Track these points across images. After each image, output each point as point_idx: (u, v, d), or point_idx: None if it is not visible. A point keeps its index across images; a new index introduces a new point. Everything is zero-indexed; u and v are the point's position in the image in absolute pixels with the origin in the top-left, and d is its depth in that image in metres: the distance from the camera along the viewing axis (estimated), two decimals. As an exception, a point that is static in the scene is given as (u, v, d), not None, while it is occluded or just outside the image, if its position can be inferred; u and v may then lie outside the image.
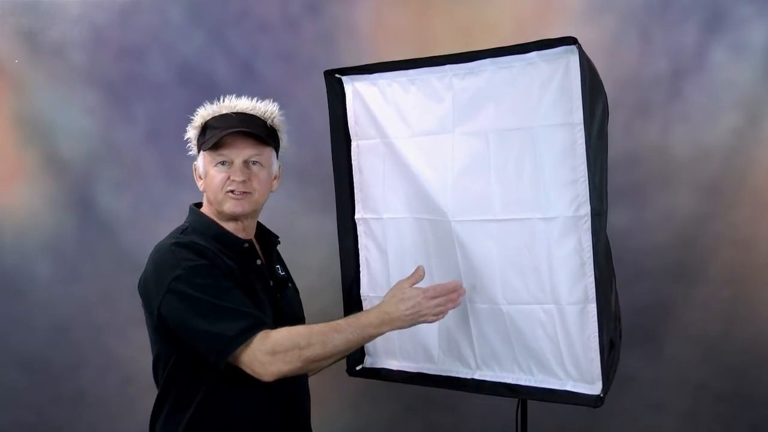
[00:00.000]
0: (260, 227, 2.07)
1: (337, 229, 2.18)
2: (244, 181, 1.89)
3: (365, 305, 2.17)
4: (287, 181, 2.14)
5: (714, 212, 2.92)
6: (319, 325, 1.79)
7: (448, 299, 1.82)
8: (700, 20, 2.87)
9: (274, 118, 1.98)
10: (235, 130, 1.88)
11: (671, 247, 2.94)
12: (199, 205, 2.00)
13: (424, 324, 1.86)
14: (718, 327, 2.96)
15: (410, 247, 2.07)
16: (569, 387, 1.90)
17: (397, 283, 1.85)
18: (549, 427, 2.43)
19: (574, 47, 1.75)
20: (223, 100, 1.97)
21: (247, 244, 1.94)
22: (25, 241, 3.12)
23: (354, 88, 2.11)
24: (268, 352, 1.73)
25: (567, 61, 1.78)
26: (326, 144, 2.18)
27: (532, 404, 2.06)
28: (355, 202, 2.17)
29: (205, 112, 1.95)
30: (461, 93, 1.94)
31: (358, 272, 2.19)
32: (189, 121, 1.99)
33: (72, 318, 3.13)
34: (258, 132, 1.91)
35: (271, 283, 1.99)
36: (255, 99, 1.98)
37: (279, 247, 2.13)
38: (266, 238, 2.08)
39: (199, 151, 1.96)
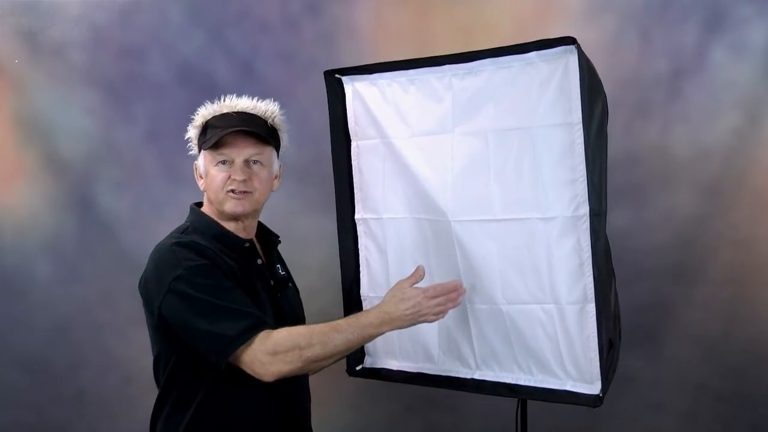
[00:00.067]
0: (261, 227, 2.07)
1: (337, 229, 2.18)
2: (244, 180, 1.89)
3: (365, 305, 2.17)
4: (287, 181, 2.14)
5: (714, 212, 2.92)
6: (319, 325, 1.79)
7: (448, 299, 1.82)
8: (700, 20, 2.87)
9: (274, 117, 1.98)
10: (236, 129, 1.88)
11: (671, 247, 2.94)
12: (199, 204, 2.00)
13: (424, 324, 1.86)
14: (718, 327, 2.96)
15: (410, 247, 2.07)
16: (569, 387, 1.90)
17: (397, 283, 1.85)
18: (549, 427, 2.43)
19: (573, 47, 1.75)
20: (224, 100, 1.97)
21: (247, 244, 1.94)
22: (25, 241, 3.12)
23: (354, 88, 2.11)
24: (269, 353, 1.73)
25: (566, 61, 1.78)
26: (326, 144, 2.18)
27: (532, 404, 2.06)
28: (355, 202, 2.17)
29: (205, 112, 1.96)
30: (461, 93, 1.94)
31: (358, 272, 2.19)
32: (189, 121, 1.99)
33: (72, 318, 3.14)
34: (259, 131, 1.91)
35: (272, 283, 1.99)
36: (256, 99, 1.99)
37: (279, 247, 2.13)
38: (267, 237, 2.08)
39: (199, 151, 1.96)
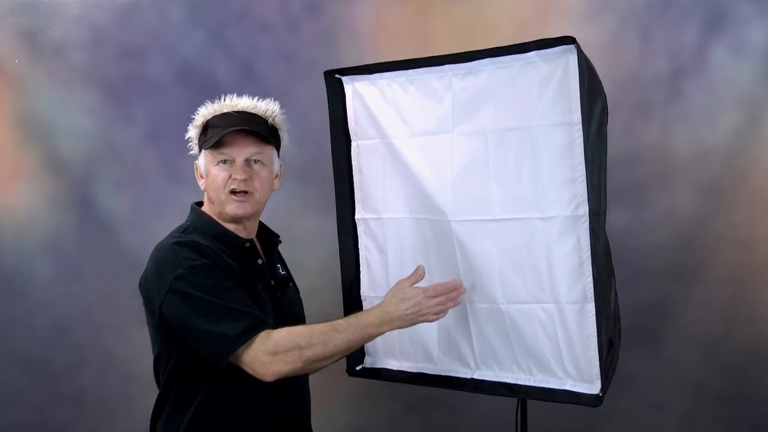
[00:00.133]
0: (261, 227, 2.07)
1: (337, 229, 2.18)
2: (245, 180, 1.89)
3: (365, 305, 2.17)
4: (287, 181, 2.14)
5: (714, 212, 2.92)
6: (319, 325, 1.79)
7: (448, 298, 1.83)
8: (700, 20, 2.87)
9: (275, 117, 1.98)
10: (237, 128, 1.88)
11: (671, 247, 2.94)
12: (200, 203, 2.00)
13: (424, 324, 1.87)
14: (718, 327, 2.96)
15: (410, 247, 2.07)
16: (568, 386, 1.90)
17: (397, 283, 1.85)
18: (549, 427, 2.43)
19: (572, 47, 1.75)
20: (225, 99, 1.97)
21: (248, 244, 1.94)
22: (25, 241, 3.12)
23: (354, 88, 2.11)
24: (269, 352, 1.73)
25: (566, 61, 1.78)
26: (326, 144, 2.18)
27: (531, 404, 2.06)
28: (355, 202, 2.17)
29: (206, 111, 1.96)
30: (460, 93, 1.94)
31: (358, 272, 2.19)
32: (189, 120, 1.99)
33: (72, 318, 3.14)
34: (259, 130, 1.91)
35: (272, 283, 1.99)
36: (256, 98, 1.99)
37: (279, 247, 2.13)
38: (267, 237, 2.08)
39: (200, 150, 1.96)
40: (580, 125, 1.76)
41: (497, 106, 1.89)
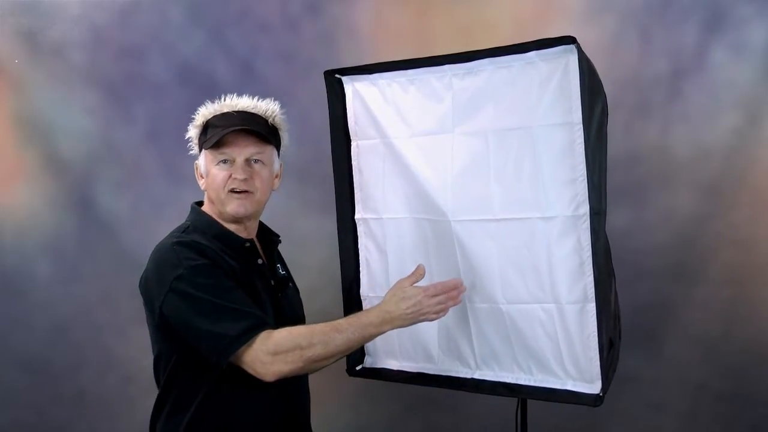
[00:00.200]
0: (261, 227, 2.07)
1: (337, 229, 2.18)
2: (245, 180, 1.89)
3: (365, 305, 2.17)
4: (287, 181, 2.14)
5: (714, 212, 2.92)
6: (320, 325, 1.79)
7: (448, 297, 1.83)
8: (700, 20, 2.87)
9: (275, 116, 1.98)
10: (237, 128, 1.88)
11: (671, 247, 2.94)
12: (200, 203, 2.00)
13: (424, 324, 1.87)
14: (718, 327, 2.96)
15: (410, 247, 2.07)
16: (569, 386, 1.90)
17: (397, 282, 1.85)
18: (549, 427, 2.43)
19: (573, 47, 1.75)
20: (225, 99, 1.97)
21: (248, 244, 1.94)
22: (25, 241, 3.12)
23: (354, 88, 2.11)
24: (270, 353, 1.73)
25: (566, 61, 1.78)
26: (326, 144, 2.18)
27: (532, 404, 2.06)
28: (355, 202, 2.17)
29: (206, 111, 1.95)
30: (461, 93, 1.94)
31: (358, 272, 2.19)
32: (189, 120, 1.99)
33: (72, 318, 3.14)
34: (260, 130, 1.91)
35: (272, 283, 1.99)
36: (256, 98, 1.99)
37: (279, 247, 2.13)
38: (267, 237, 2.08)
39: (200, 150, 1.96)
40: (581, 125, 1.76)
41: (497, 106, 1.89)
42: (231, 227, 1.94)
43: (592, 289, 1.82)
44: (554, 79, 1.80)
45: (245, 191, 1.90)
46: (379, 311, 1.81)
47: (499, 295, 1.93)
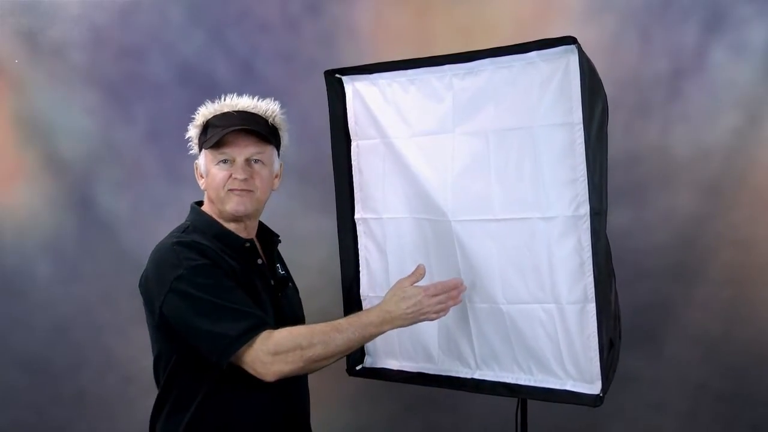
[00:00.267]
0: (261, 227, 2.07)
1: (337, 229, 2.18)
2: (246, 179, 1.89)
3: (365, 305, 2.17)
4: (287, 181, 2.14)
5: (714, 212, 2.92)
6: (320, 324, 1.79)
7: (449, 296, 1.83)
8: (700, 20, 2.87)
9: (275, 116, 1.98)
10: (237, 128, 1.88)
11: (671, 247, 2.94)
12: (200, 203, 2.00)
13: (424, 324, 1.87)
14: (718, 327, 2.96)
15: (410, 247, 2.07)
16: (569, 387, 1.90)
17: (398, 282, 1.85)
18: (549, 427, 2.43)
19: (573, 47, 1.75)
20: (225, 99, 1.97)
21: (248, 244, 1.94)
22: (25, 241, 3.12)
23: (354, 87, 2.11)
24: (270, 353, 1.73)
25: (567, 61, 1.78)
26: (326, 144, 2.18)
27: (532, 404, 2.06)
28: (355, 202, 2.17)
29: (206, 111, 1.95)
30: (461, 93, 1.94)
31: (358, 272, 2.19)
32: (189, 120, 1.99)
33: (72, 318, 3.14)
34: (260, 130, 1.91)
35: (272, 283, 1.99)
36: (256, 98, 1.99)
37: (279, 247, 2.13)
38: (267, 237, 2.08)
39: (200, 150, 1.96)
40: (581, 125, 1.76)
41: (498, 106, 1.89)
42: (231, 227, 1.94)
43: (593, 290, 1.82)
44: (555, 79, 1.80)
45: (245, 190, 1.90)
46: (379, 311, 1.81)
47: (500, 295, 1.93)
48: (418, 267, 1.87)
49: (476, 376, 2.04)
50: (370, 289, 2.18)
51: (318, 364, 1.78)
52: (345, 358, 2.01)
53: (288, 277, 2.12)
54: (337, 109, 2.13)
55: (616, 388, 1.97)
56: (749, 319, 2.95)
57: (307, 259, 2.77)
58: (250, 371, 1.76)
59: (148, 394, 1.97)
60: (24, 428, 3.15)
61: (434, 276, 1.95)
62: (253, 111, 1.95)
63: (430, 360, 2.11)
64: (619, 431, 3.05)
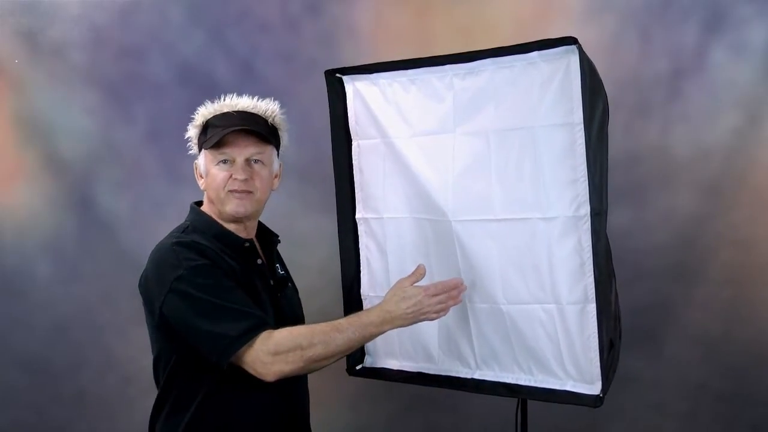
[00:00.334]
0: (260, 227, 2.07)
1: (338, 229, 2.18)
2: (246, 180, 1.89)
3: (365, 304, 2.17)
4: (287, 180, 2.14)
5: (714, 212, 2.92)
6: (320, 324, 1.79)
7: (449, 296, 1.83)
8: (700, 20, 2.87)
9: (275, 116, 1.98)
10: (237, 128, 1.88)
11: (671, 247, 2.94)
12: (199, 203, 1.99)
13: (424, 324, 1.87)
14: (718, 327, 2.96)
15: (410, 246, 2.07)
16: (569, 387, 1.90)
17: (398, 282, 1.85)
18: (549, 427, 2.43)
19: (574, 47, 1.75)
20: (224, 99, 1.97)
21: (247, 244, 1.94)
22: (25, 241, 3.12)
23: (354, 87, 2.11)
24: (271, 353, 1.73)
25: (567, 61, 1.78)
26: (327, 144, 2.18)
27: (532, 404, 2.06)
28: (356, 201, 2.17)
29: (206, 111, 1.95)
30: (462, 93, 1.94)
31: (359, 272, 2.19)
32: (189, 120, 1.99)
33: (72, 318, 3.14)
34: (260, 130, 1.91)
35: (272, 283, 1.99)
36: (256, 98, 1.99)
37: (279, 247, 2.13)
38: (266, 237, 2.08)
39: (200, 150, 1.96)
40: (582, 125, 1.76)
41: (499, 107, 1.89)
42: (230, 227, 1.94)
43: (593, 290, 1.82)
44: (555, 79, 1.80)
45: (245, 191, 1.90)
46: (379, 311, 1.81)
47: (500, 295, 1.93)
48: (419, 267, 1.87)
49: (476, 376, 2.04)
50: (370, 288, 2.18)
51: (318, 364, 1.78)
52: (345, 358, 2.01)
53: (287, 277, 2.12)
54: (338, 109, 2.13)
55: (616, 389, 1.97)
56: (749, 319, 2.95)
57: (307, 259, 2.77)
58: (251, 371, 1.76)
59: (148, 394, 1.97)
60: (24, 428, 3.15)
61: (434, 276, 1.95)
62: (252, 111, 1.95)
63: (430, 360, 2.11)
64: (619, 431, 3.05)
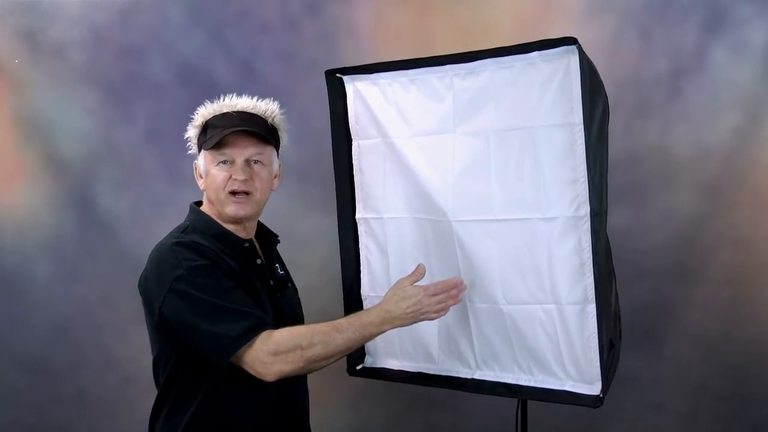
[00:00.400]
0: (260, 227, 2.07)
1: (338, 229, 2.18)
2: (245, 180, 1.89)
3: (365, 304, 2.17)
4: (287, 180, 2.14)
5: (714, 212, 2.92)
6: (320, 324, 1.79)
7: (449, 296, 1.83)
8: (700, 20, 2.87)
9: (274, 116, 1.98)
10: (237, 129, 1.88)
11: (671, 247, 2.94)
12: (199, 203, 1.99)
13: (424, 324, 1.87)
14: (718, 327, 2.96)
15: (410, 246, 2.07)
16: (569, 387, 1.90)
17: (398, 282, 1.85)
18: (549, 427, 2.43)
19: (574, 47, 1.75)
20: (224, 99, 1.96)
21: (247, 244, 1.94)
22: (25, 241, 3.12)
23: (355, 87, 2.11)
24: (270, 353, 1.73)
25: (567, 62, 1.78)
26: (327, 143, 2.18)
27: (532, 404, 2.06)
28: (356, 201, 2.17)
29: (205, 111, 1.95)
30: (462, 93, 1.94)
31: (359, 272, 2.19)
32: (189, 120, 1.99)
33: (72, 318, 3.14)
34: (259, 131, 1.91)
35: (271, 283, 1.99)
36: (255, 98, 1.98)
37: (279, 247, 2.13)
38: (266, 237, 2.08)
39: (199, 150, 1.96)
40: (582, 126, 1.76)
41: (499, 107, 1.89)
42: (230, 227, 1.94)
43: (593, 290, 1.82)
44: (555, 79, 1.80)
45: (245, 192, 1.90)
46: (379, 311, 1.81)
47: (500, 295, 1.93)
48: (418, 266, 1.87)
49: (476, 377, 2.04)
50: (370, 288, 2.18)
51: (318, 364, 1.78)
52: (345, 358, 2.01)
53: (287, 277, 2.12)
54: (338, 109, 2.13)
55: (616, 388, 1.97)
56: (749, 319, 2.95)
57: (307, 258, 2.77)
58: (250, 371, 1.76)
59: (148, 394, 1.97)
60: (24, 428, 3.15)
61: (434, 276, 1.96)
62: (252, 111, 1.95)
63: (430, 360, 2.11)
64: (619, 431, 3.05)
